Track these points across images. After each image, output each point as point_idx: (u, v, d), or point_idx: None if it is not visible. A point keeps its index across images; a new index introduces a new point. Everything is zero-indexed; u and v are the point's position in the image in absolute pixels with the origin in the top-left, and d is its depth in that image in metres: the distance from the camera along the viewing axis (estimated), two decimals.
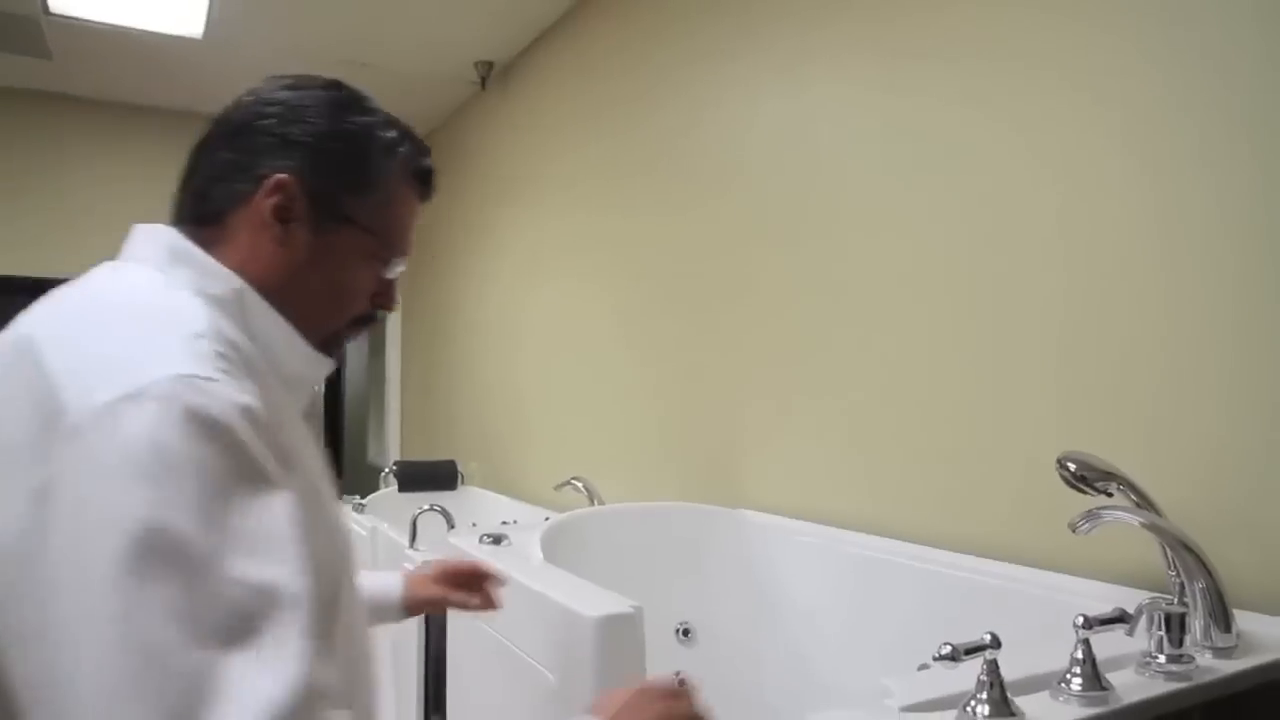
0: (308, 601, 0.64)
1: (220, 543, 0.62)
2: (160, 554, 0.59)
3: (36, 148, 4.53)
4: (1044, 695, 0.92)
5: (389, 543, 2.68)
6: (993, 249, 1.68)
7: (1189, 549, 1.11)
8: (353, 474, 7.46)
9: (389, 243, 0.92)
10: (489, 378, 4.22)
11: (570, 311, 3.41)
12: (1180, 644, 1.01)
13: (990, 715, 0.82)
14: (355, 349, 7.42)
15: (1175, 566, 1.14)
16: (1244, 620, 1.13)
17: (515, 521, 2.30)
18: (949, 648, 0.83)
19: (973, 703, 0.83)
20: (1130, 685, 0.95)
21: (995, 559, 1.58)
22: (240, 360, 0.75)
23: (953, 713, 0.85)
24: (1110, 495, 1.22)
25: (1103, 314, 1.49)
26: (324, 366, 0.91)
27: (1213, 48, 1.33)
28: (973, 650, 0.84)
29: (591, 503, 2.78)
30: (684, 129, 2.68)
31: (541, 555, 1.65)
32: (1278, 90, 1.26)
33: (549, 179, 3.59)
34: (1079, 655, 0.92)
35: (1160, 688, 0.96)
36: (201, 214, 0.86)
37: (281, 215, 0.85)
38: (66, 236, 4.56)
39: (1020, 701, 0.86)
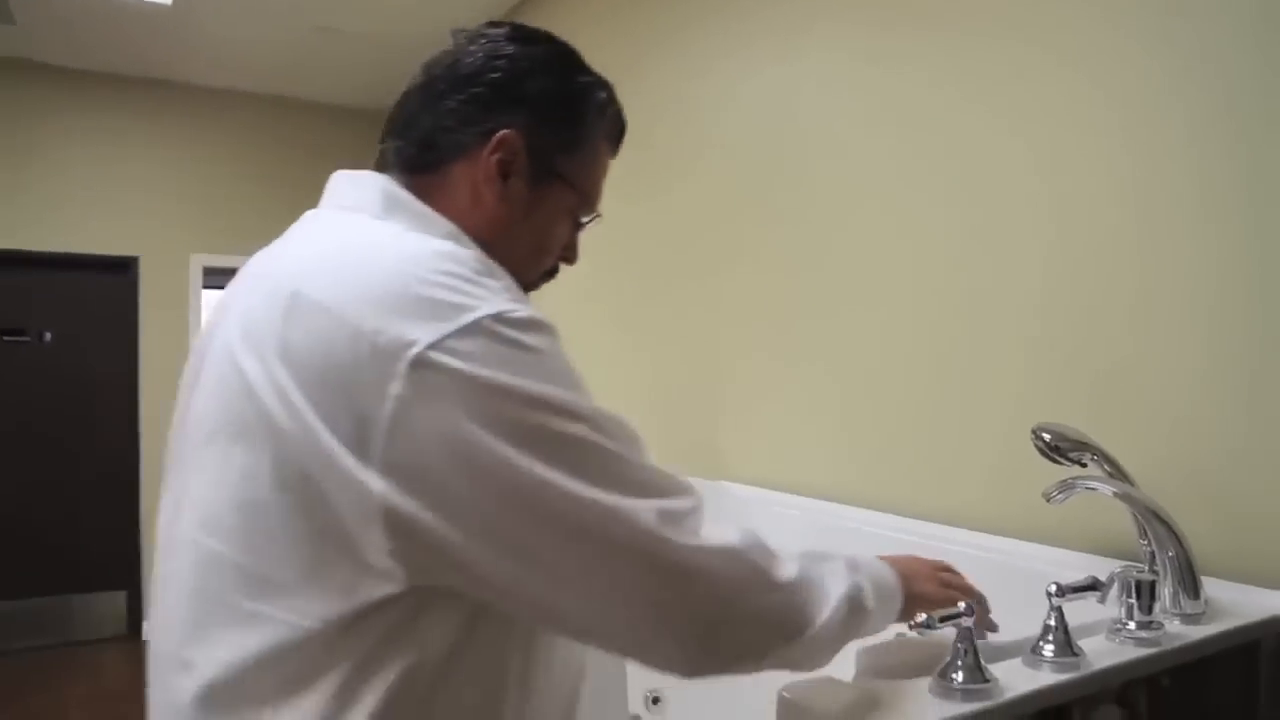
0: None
1: (600, 421, 0.70)
2: (574, 439, 0.67)
3: (0, 114, 4.44)
4: (1017, 661, 0.94)
5: None
6: (975, 225, 1.68)
7: (1159, 518, 1.13)
8: None
9: (588, 198, 0.94)
10: None
11: (551, 285, 3.38)
12: (1150, 611, 1.03)
13: (964, 681, 0.83)
14: None
15: (1146, 535, 1.16)
16: (1212, 587, 1.16)
17: None
18: (924, 616, 0.84)
19: (948, 669, 0.84)
20: (1101, 651, 0.97)
21: (972, 529, 1.60)
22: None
23: (928, 679, 0.86)
24: (1084, 465, 1.23)
25: (1078, 289, 1.50)
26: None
27: (1204, 33, 1.33)
28: (948, 618, 0.85)
29: None
30: (669, 101, 2.66)
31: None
32: (1263, 75, 1.26)
33: None
34: (1051, 622, 0.93)
35: (1130, 653, 0.98)
36: (422, 163, 0.86)
37: (504, 170, 0.85)
38: (31, 205, 4.49)
39: (994, 668, 0.87)
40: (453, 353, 0.65)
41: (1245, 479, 1.27)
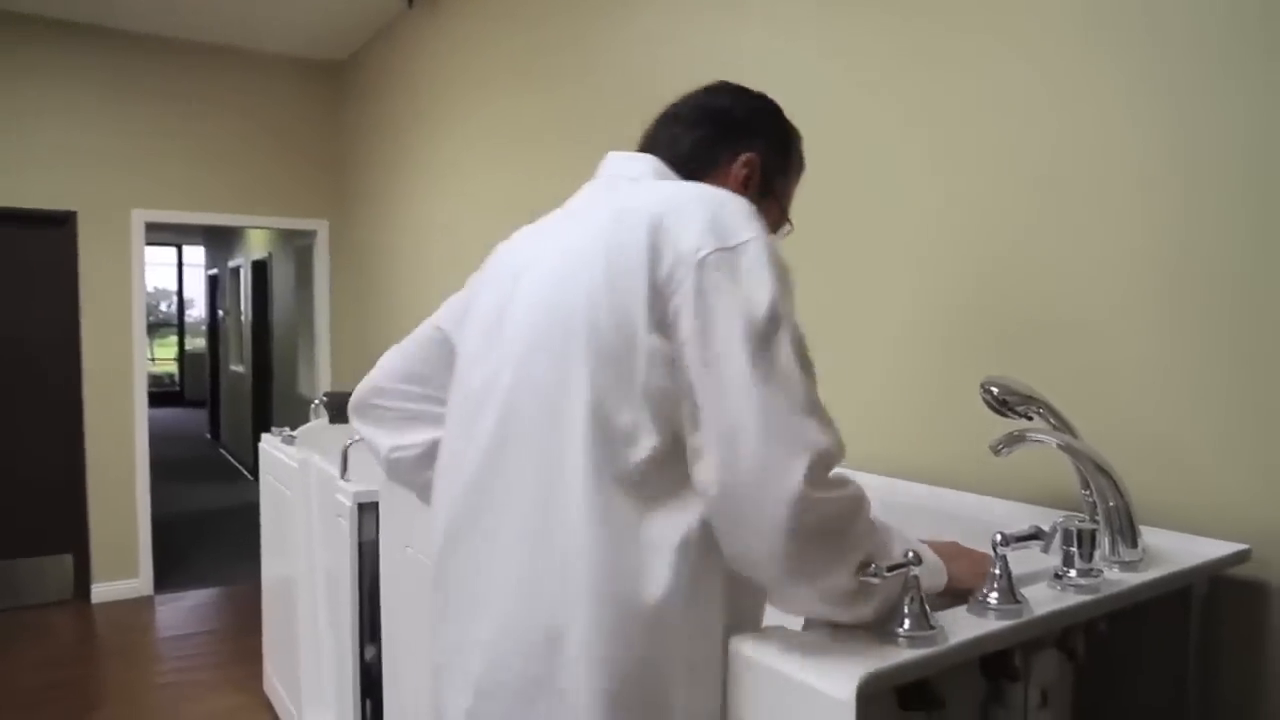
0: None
1: (794, 321, 0.92)
2: (782, 318, 0.90)
3: None
4: (962, 610, 0.96)
5: (321, 474, 2.65)
6: (922, 181, 1.69)
7: (1101, 470, 1.16)
8: (282, 406, 7.33)
9: (786, 214, 1.20)
10: (422, 305, 4.15)
11: (501, 234, 3.35)
12: (1090, 559, 1.05)
13: (911, 628, 0.85)
14: (284, 280, 7.23)
15: (1088, 486, 1.18)
16: (1150, 536, 1.19)
17: None
18: (872, 566, 0.85)
19: (894, 617, 0.86)
20: (1043, 598, 1.00)
21: (920, 482, 1.63)
22: None
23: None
24: (1030, 419, 1.25)
25: (1027, 243, 1.51)
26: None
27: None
28: (895, 567, 0.86)
29: None
30: (618, 48, 2.62)
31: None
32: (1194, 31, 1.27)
33: (480, 101, 3.50)
34: (996, 571, 0.95)
35: (1070, 600, 1.01)
36: (684, 172, 1.11)
37: (745, 183, 1.13)
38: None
39: (939, 615, 0.89)
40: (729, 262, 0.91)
41: (1184, 434, 1.31)
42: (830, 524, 0.86)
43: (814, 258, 1.94)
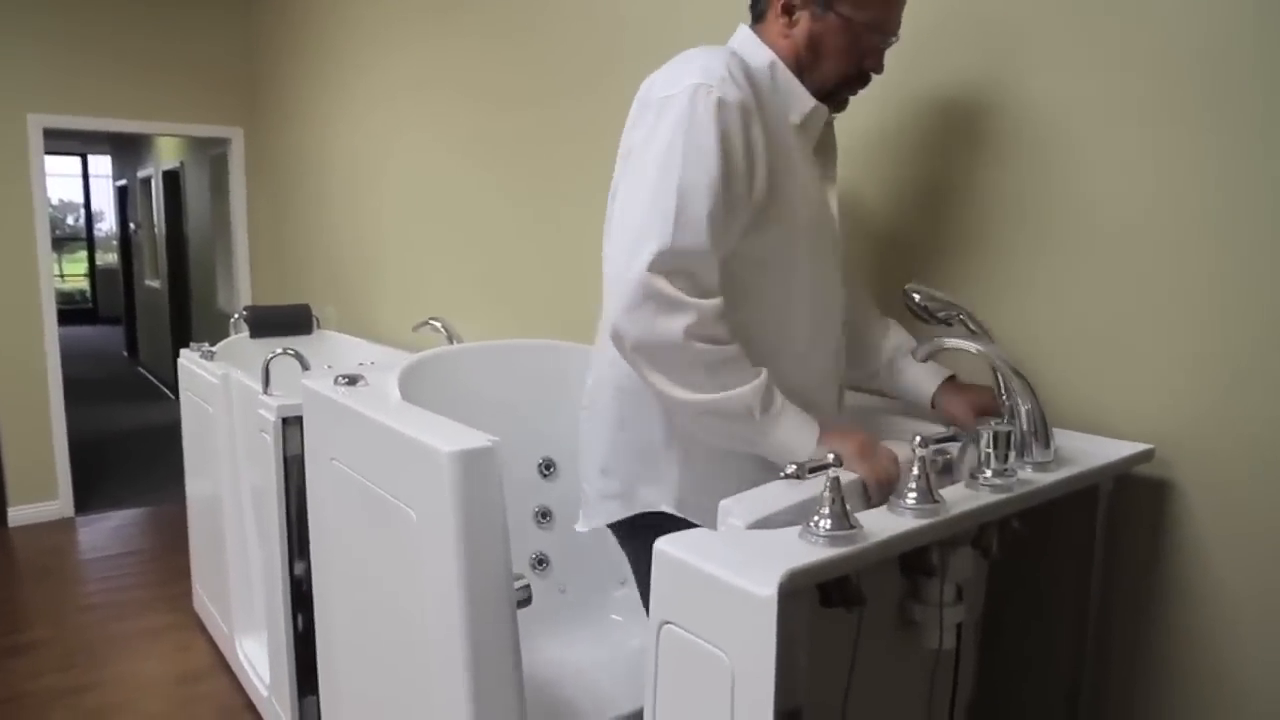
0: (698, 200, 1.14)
1: (681, 162, 1.13)
2: (675, 156, 1.14)
3: None
4: (883, 510, 0.98)
5: (242, 389, 2.58)
6: None
7: (1018, 374, 1.18)
8: (202, 321, 7.12)
9: (867, 23, 1.25)
10: (343, 219, 4.03)
11: (428, 151, 3.25)
12: (1005, 460, 1.08)
13: (831, 528, 0.87)
14: (198, 191, 6.93)
15: (1005, 390, 1.21)
16: (1061, 437, 1.23)
17: (373, 363, 2.24)
18: (794, 466, 0.86)
19: (816, 517, 0.87)
20: (960, 497, 1.03)
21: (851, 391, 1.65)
22: (749, 88, 1.19)
23: (797, 527, 0.89)
24: (950, 325, 1.27)
25: (954, 155, 1.52)
26: (820, 111, 1.29)
27: None
28: (816, 469, 0.87)
29: (451, 343, 2.73)
30: None
31: (399, 395, 1.62)
32: None
33: (407, 11, 3.33)
34: (915, 472, 0.97)
35: (985, 499, 1.04)
36: (755, 15, 1.32)
37: (787, 9, 1.26)
38: None
39: (859, 515, 0.91)
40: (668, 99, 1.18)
41: (1095, 338, 1.34)
42: (660, 322, 1.10)
43: None
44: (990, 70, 1.46)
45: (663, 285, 1.09)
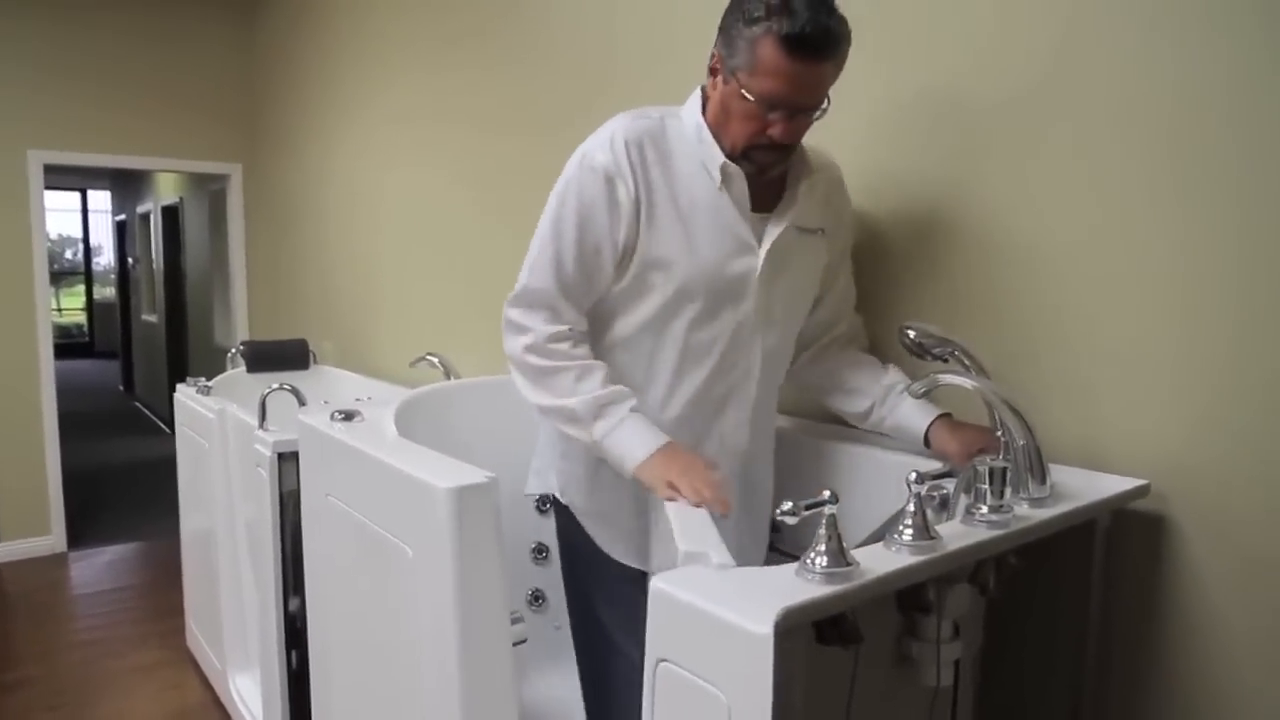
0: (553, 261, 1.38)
1: (554, 222, 1.38)
2: (549, 212, 1.40)
3: None
4: (878, 546, 0.98)
5: (238, 424, 2.58)
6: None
7: (1012, 409, 1.19)
8: (198, 356, 7.12)
9: (760, 97, 1.27)
10: (340, 255, 4.05)
11: (424, 187, 3.27)
12: (1002, 496, 1.08)
13: (828, 565, 0.87)
14: (196, 226, 6.96)
15: (1001, 426, 1.22)
16: (1057, 473, 1.23)
17: (369, 398, 2.25)
18: (790, 504, 0.86)
19: (812, 554, 0.87)
20: (956, 534, 1.03)
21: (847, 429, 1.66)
22: (635, 154, 1.34)
23: (793, 565, 0.89)
24: (946, 361, 1.28)
25: (943, 188, 1.53)
26: (733, 170, 1.35)
27: None
28: (812, 506, 0.87)
29: (448, 378, 2.74)
30: None
31: (395, 430, 1.62)
32: None
33: (404, 41, 3.38)
34: (910, 508, 0.98)
35: (981, 535, 1.04)
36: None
37: (712, 70, 1.34)
38: None
39: (856, 552, 0.91)
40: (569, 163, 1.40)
41: (1091, 372, 1.35)
42: (510, 341, 1.40)
43: None
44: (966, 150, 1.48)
45: (514, 315, 1.40)
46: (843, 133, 1.57)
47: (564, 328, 1.38)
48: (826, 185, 1.47)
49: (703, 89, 1.38)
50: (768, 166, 1.35)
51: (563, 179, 1.38)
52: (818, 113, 1.32)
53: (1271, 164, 1.15)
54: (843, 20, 1.26)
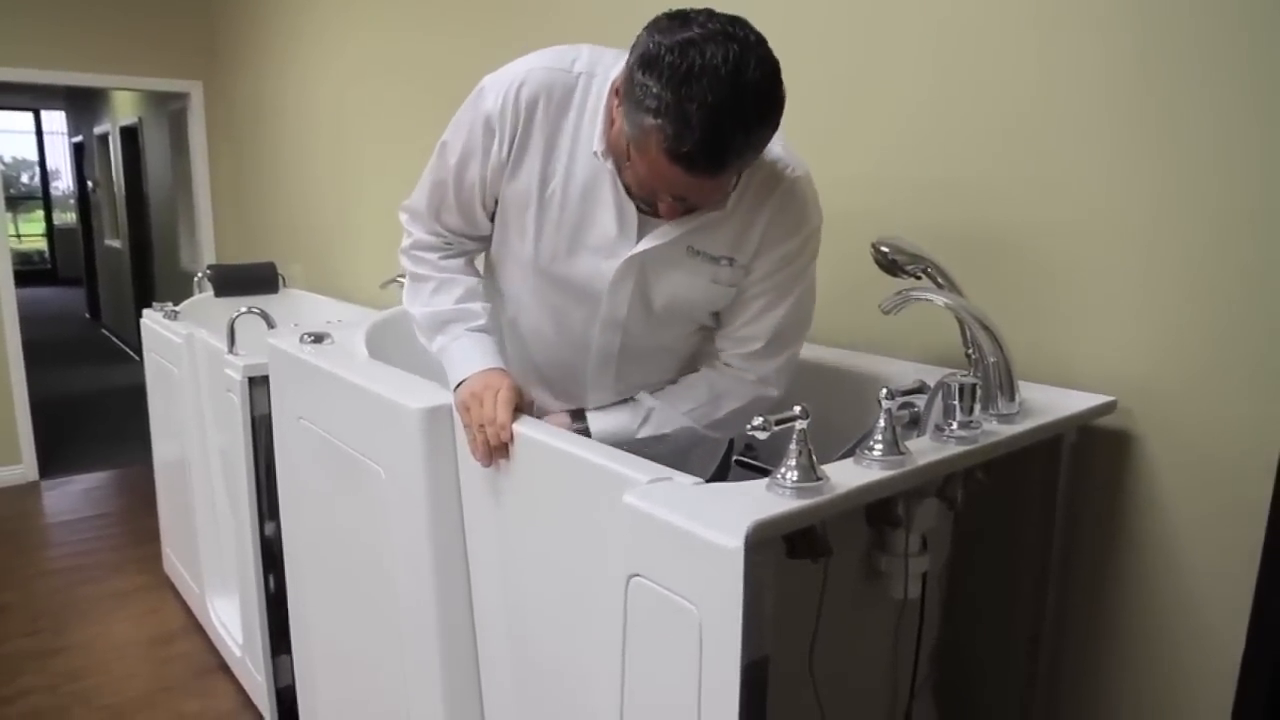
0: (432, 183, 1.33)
1: (441, 147, 1.31)
2: (438, 153, 1.32)
3: None
4: (849, 462, 0.99)
5: (207, 349, 2.55)
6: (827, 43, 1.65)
7: (984, 326, 1.19)
8: (165, 281, 7.00)
9: (639, 174, 1.10)
10: (307, 175, 3.96)
11: (393, 101, 3.19)
12: (971, 412, 1.09)
13: (799, 480, 0.87)
14: (157, 147, 6.77)
15: (972, 343, 1.22)
16: (1026, 389, 1.25)
17: (340, 321, 2.22)
18: (760, 420, 0.86)
19: (783, 469, 0.88)
20: (925, 449, 1.04)
21: (814, 344, 1.66)
22: (534, 109, 1.20)
23: (764, 480, 0.89)
24: (918, 278, 1.27)
25: (922, 109, 1.51)
26: (606, 178, 1.18)
27: None
28: (783, 421, 0.87)
29: None
30: None
31: (366, 352, 1.60)
32: None
33: None
34: (881, 424, 0.98)
35: (950, 450, 1.05)
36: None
37: (615, 91, 1.10)
38: None
39: (826, 467, 0.92)
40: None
41: (1061, 295, 1.36)
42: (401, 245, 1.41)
43: None
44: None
45: (402, 218, 1.40)
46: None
47: (437, 239, 1.36)
48: (772, 211, 1.20)
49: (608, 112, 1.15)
50: (650, 215, 1.17)
51: (463, 106, 1.28)
52: (717, 204, 1.14)
53: (1235, 89, 1.13)
54: (763, 116, 1.01)
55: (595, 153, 1.15)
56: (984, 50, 1.42)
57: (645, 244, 1.19)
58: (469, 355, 1.29)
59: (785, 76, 1.02)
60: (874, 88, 1.60)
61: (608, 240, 1.21)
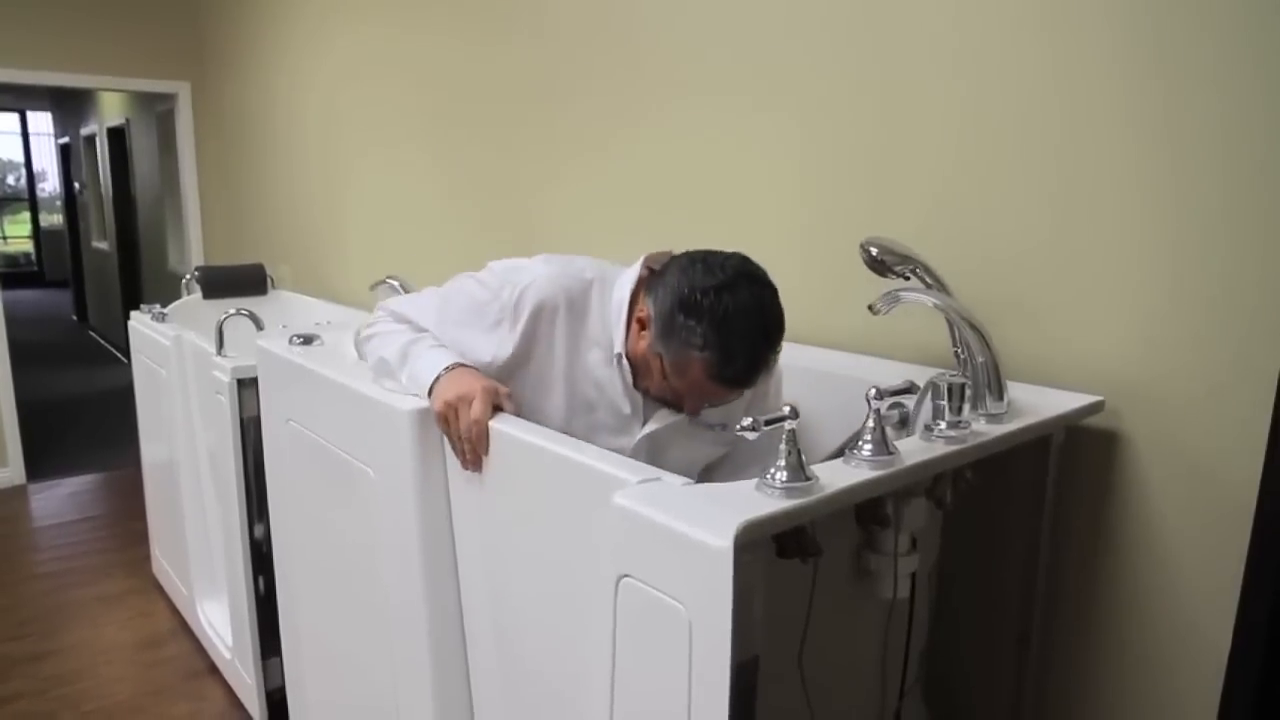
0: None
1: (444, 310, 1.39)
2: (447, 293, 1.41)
3: None
4: (838, 462, 0.99)
5: (195, 351, 2.54)
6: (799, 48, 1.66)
7: (972, 326, 1.19)
8: (153, 283, 6.96)
9: (674, 385, 1.26)
10: (296, 176, 3.94)
11: (383, 102, 3.18)
12: (959, 412, 1.09)
13: (788, 480, 0.87)
14: (145, 148, 6.73)
15: (961, 343, 1.22)
16: (1015, 389, 1.25)
17: (329, 323, 2.21)
18: (749, 419, 0.86)
19: (772, 469, 0.88)
20: (914, 449, 1.04)
21: (803, 345, 1.66)
22: (540, 316, 1.31)
23: (754, 480, 0.89)
24: (907, 279, 1.28)
25: (909, 113, 1.51)
26: (617, 350, 1.31)
27: None
28: (772, 421, 0.87)
29: None
30: None
31: (355, 354, 1.60)
32: None
33: None
34: (870, 424, 0.98)
35: (939, 450, 1.05)
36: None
37: (640, 324, 1.28)
38: None
39: (815, 467, 0.92)
40: None
41: (1048, 294, 1.36)
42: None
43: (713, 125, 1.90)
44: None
45: (378, 316, 1.48)
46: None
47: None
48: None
49: (640, 273, 1.32)
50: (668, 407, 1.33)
51: (472, 282, 1.36)
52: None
53: (1222, 83, 1.14)
54: (780, 336, 1.23)
55: (617, 355, 1.31)
56: (983, 52, 1.43)
57: (654, 425, 1.34)
58: (434, 359, 1.31)
59: None
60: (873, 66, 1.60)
61: (621, 419, 1.36)
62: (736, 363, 1.19)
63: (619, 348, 1.31)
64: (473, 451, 1.23)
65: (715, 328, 1.17)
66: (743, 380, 1.23)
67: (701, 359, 1.19)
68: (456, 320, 1.35)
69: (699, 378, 1.21)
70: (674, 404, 1.31)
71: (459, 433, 1.23)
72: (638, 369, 1.31)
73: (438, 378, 1.28)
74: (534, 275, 1.32)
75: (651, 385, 1.30)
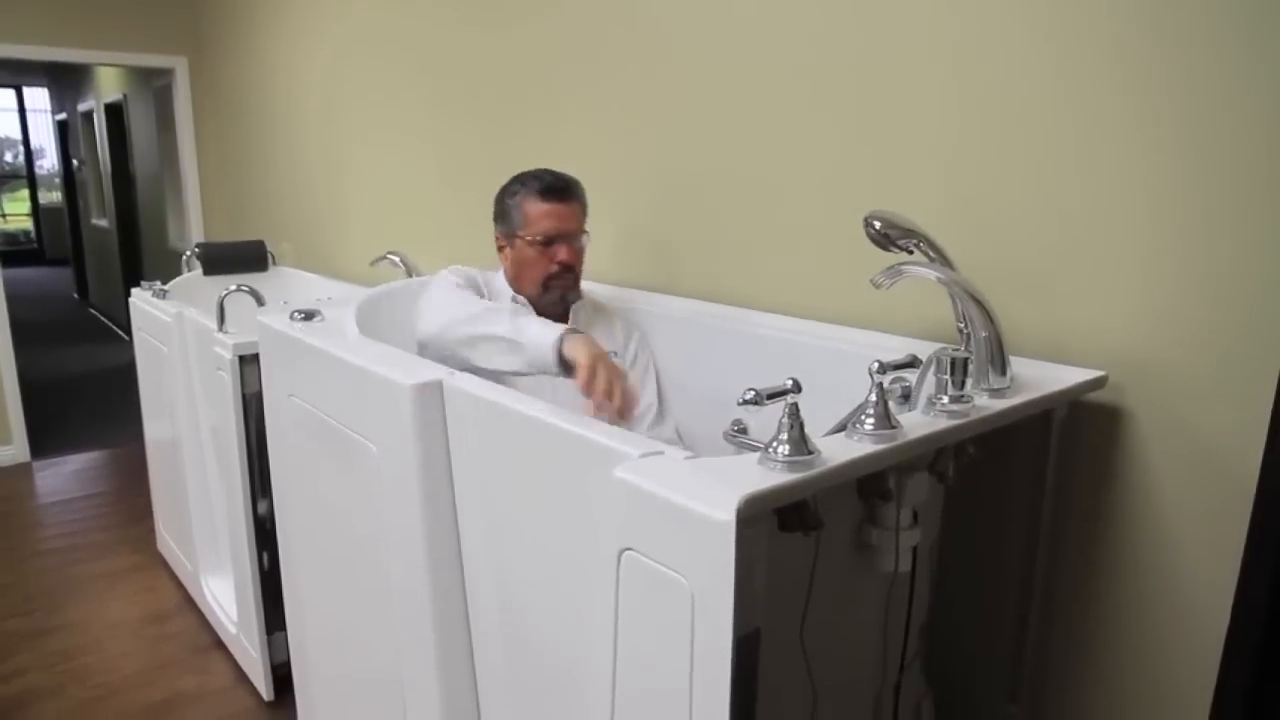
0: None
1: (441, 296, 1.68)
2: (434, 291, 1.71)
3: None
4: (840, 435, 0.99)
5: (197, 327, 2.53)
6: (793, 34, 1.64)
7: (976, 300, 1.19)
8: (153, 260, 6.95)
9: (541, 236, 1.70)
10: (296, 152, 3.92)
11: (382, 78, 3.16)
12: (962, 386, 1.09)
13: (790, 454, 0.87)
14: (143, 124, 6.70)
15: (964, 318, 1.22)
16: (1018, 364, 1.25)
17: (330, 299, 2.21)
18: (752, 393, 0.86)
19: (774, 443, 0.88)
20: (916, 423, 1.04)
21: (805, 319, 1.66)
22: (474, 280, 1.76)
23: (756, 454, 0.89)
24: (910, 253, 1.27)
25: (916, 89, 1.50)
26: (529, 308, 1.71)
27: None
28: (775, 395, 0.87)
29: (409, 276, 2.70)
30: None
31: (357, 329, 1.60)
32: None
33: None
34: (873, 398, 0.98)
35: (941, 424, 1.05)
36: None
37: (499, 248, 1.80)
38: None
39: (817, 440, 0.92)
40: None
41: (1052, 268, 1.36)
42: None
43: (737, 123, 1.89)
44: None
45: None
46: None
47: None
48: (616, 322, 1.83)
49: (503, 268, 1.78)
50: (567, 289, 1.73)
51: (433, 285, 1.70)
52: (584, 239, 1.73)
53: (1229, 61, 1.13)
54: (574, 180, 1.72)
55: (512, 297, 1.73)
56: (991, 28, 1.41)
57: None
58: (542, 323, 1.47)
59: None
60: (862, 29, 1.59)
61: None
62: (545, 178, 1.69)
63: (511, 291, 1.74)
64: (626, 400, 1.36)
65: (521, 179, 1.72)
66: (561, 189, 1.69)
67: (525, 193, 1.69)
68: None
69: (535, 210, 1.68)
70: (559, 281, 1.70)
71: (607, 386, 1.34)
72: (522, 277, 1.73)
73: (561, 337, 1.41)
74: (441, 275, 1.73)
75: (535, 271, 1.70)
